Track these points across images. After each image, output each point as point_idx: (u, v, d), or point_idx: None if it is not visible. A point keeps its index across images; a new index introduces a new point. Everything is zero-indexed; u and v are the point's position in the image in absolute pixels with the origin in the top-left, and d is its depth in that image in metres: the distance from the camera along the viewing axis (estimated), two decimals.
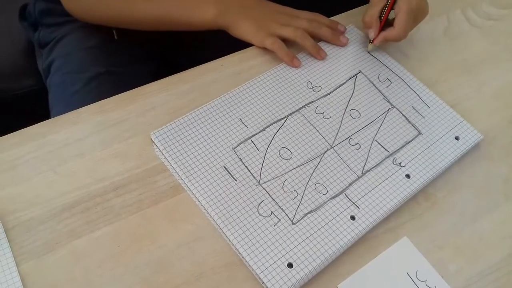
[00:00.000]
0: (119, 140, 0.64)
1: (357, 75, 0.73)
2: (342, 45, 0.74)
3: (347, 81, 0.72)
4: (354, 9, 0.82)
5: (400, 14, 0.69)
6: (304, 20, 0.73)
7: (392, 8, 0.71)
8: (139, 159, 0.63)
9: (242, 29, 0.71)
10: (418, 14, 0.72)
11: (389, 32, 0.71)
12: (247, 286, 0.55)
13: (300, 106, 0.69)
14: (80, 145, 0.63)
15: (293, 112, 0.68)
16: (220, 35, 0.90)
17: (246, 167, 0.63)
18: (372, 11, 0.71)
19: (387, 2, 0.71)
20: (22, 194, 0.59)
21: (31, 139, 0.63)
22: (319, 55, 0.72)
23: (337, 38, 0.74)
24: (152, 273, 0.55)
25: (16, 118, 0.72)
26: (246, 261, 0.56)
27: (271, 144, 0.65)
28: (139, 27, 0.76)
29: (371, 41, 0.73)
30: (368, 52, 0.75)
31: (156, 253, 0.56)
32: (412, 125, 0.69)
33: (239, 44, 0.76)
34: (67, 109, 0.67)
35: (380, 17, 0.71)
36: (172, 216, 0.59)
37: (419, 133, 0.68)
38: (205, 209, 0.59)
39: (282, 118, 0.67)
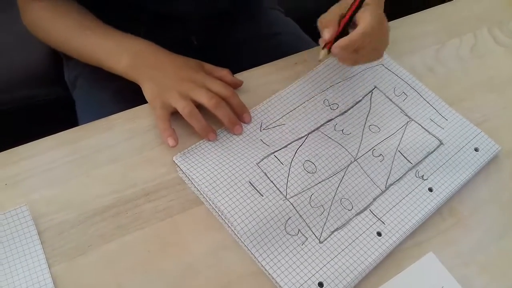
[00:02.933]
0: (150, 147, 0.65)
1: (373, 91, 0.73)
2: (234, 133, 0.67)
3: (363, 98, 0.73)
4: None
5: (364, 13, 0.61)
6: (205, 95, 0.65)
7: (353, 16, 0.62)
8: (170, 166, 0.64)
9: (144, 91, 0.68)
10: (379, 35, 0.64)
11: (350, 36, 0.61)
12: None
13: (319, 124, 0.69)
14: (112, 151, 0.65)
15: (313, 131, 0.68)
16: (245, 49, 0.91)
17: (272, 181, 0.63)
18: (331, 12, 0.65)
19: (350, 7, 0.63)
20: (55, 197, 0.60)
21: (65, 144, 0.65)
22: (206, 137, 0.66)
23: (232, 126, 0.66)
24: (181, 280, 0.56)
25: (44, 124, 0.73)
26: (276, 282, 0.56)
27: (294, 157, 0.65)
28: (76, 57, 0.76)
29: (324, 46, 0.65)
30: (319, 61, 0.67)
31: (184, 260, 0.57)
32: (433, 136, 0.69)
33: (266, 57, 0.77)
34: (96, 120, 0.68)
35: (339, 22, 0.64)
36: (200, 223, 0.60)
37: (441, 143, 0.68)
38: (232, 229, 0.59)
39: (302, 137, 0.68)
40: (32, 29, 0.78)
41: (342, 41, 0.61)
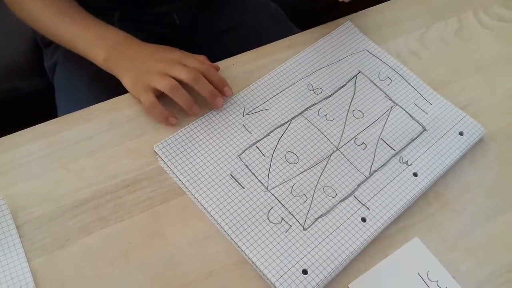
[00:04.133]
0: (130, 138, 0.64)
1: (357, 75, 0.73)
2: (216, 107, 0.67)
3: (347, 82, 0.72)
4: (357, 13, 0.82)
5: None
6: (183, 70, 0.65)
7: None
8: (150, 156, 0.63)
9: (124, 82, 0.67)
10: None
11: None
12: (258, 284, 0.55)
13: (302, 109, 0.68)
14: (91, 143, 0.63)
15: (296, 116, 0.68)
16: (229, 35, 0.90)
17: (253, 173, 0.62)
18: None
19: None
20: (34, 190, 0.59)
21: (42, 136, 0.64)
22: (190, 111, 0.66)
23: (213, 99, 0.66)
24: (163, 270, 0.55)
25: (25, 117, 0.72)
26: (260, 270, 0.55)
27: (276, 149, 0.64)
28: (56, 41, 0.76)
29: None
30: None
31: (166, 251, 0.56)
32: (417, 122, 0.68)
33: (250, 44, 0.76)
34: (74, 106, 0.67)
35: None
36: (182, 214, 0.59)
37: (424, 129, 0.68)
38: (215, 219, 0.59)
39: (286, 122, 0.67)
40: (13, 7, 0.76)
41: None
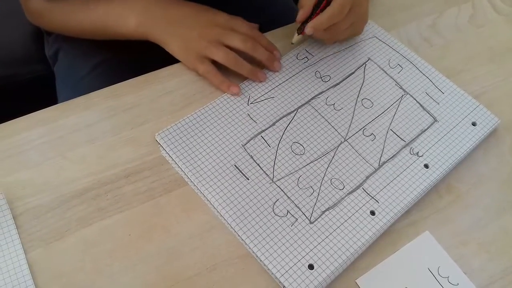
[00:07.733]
0: (131, 126, 0.62)
1: (366, 62, 0.70)
2: (275, 70, 0.67)
3: (356, 70, 0.69)
4: None
5: None
6: (238, 38, 0.65)
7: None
8: (151, 146, 0.61)
9: (171, 49, 0.66)
10: (356, 10, 0.64)
11: (322, 14, 0.62)
12: (261, 278, 0.53)
13: (309, 97, 0.66)
14: (91, 131, 0.62)
15: (303, 105, 0.65)
16: None
17: (258, 164, 0.60)
18: None
19: None
20: (31, 179, 0.58)
21: (41, 124, 0.62)
22: (257, 79, 0.66)
23: (271, 63, 0.67)
24: (164, 263, 0.53)
25: (25, 104, 0.71)
26: (264, 264, 0.53)
27: (282, 139, 0.62)
28: (83, 37, 0.74)
29: (299, 32, 0.65)
30: (291, 44, 0.68)
31: (168, 243, 0.55)
32: (427, 112, 0.66)
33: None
34: (75, 95, 0.65)
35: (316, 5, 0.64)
36: (184, 205, 0.57)
37: (435, 120, 0.65)
38: (218, 211, 0.57)
39: (292, 112, 0.65)
40: (36, 23, 0.78)
41: (312, 22, 0.63)
